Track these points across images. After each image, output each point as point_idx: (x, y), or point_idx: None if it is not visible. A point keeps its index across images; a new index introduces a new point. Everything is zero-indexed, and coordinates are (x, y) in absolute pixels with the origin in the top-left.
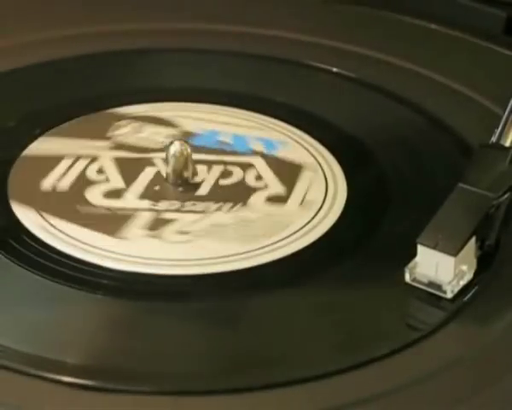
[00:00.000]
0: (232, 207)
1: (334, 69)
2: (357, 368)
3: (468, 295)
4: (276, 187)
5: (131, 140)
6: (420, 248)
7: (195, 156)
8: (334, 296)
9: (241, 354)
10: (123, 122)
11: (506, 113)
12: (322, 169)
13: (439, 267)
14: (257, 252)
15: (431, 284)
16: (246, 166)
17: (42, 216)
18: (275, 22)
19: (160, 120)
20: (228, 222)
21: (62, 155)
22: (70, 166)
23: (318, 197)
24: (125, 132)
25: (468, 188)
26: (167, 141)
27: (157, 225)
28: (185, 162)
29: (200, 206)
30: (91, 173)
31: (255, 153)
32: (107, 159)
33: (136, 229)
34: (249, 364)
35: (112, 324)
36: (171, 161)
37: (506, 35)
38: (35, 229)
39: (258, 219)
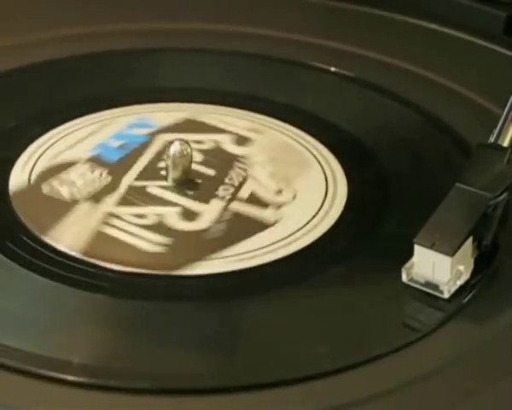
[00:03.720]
0: (246, 170)
1: (334, 69)
2: (355, 368)
3: (466, 296)
4: (226, 139)
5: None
6: (417, 248)
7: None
8: (333, 296)
9: (241, 353)
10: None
11: (504, 113)
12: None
13: (435, 267)
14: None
15: (428, 284)
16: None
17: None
18: (274, 22)
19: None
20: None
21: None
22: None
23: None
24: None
25: (465, 188)
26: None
27: (261, 204)
28: (190, 159)
29: (235, 180)
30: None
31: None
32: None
33: (267, 212)
34: (249, 363)
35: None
36: (179, 162)
37: (506, 35)
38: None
39: (286, 163)
